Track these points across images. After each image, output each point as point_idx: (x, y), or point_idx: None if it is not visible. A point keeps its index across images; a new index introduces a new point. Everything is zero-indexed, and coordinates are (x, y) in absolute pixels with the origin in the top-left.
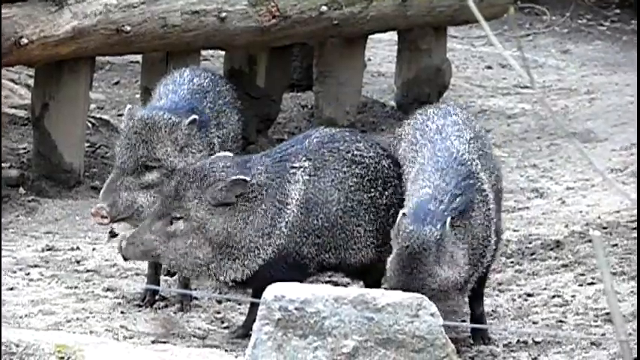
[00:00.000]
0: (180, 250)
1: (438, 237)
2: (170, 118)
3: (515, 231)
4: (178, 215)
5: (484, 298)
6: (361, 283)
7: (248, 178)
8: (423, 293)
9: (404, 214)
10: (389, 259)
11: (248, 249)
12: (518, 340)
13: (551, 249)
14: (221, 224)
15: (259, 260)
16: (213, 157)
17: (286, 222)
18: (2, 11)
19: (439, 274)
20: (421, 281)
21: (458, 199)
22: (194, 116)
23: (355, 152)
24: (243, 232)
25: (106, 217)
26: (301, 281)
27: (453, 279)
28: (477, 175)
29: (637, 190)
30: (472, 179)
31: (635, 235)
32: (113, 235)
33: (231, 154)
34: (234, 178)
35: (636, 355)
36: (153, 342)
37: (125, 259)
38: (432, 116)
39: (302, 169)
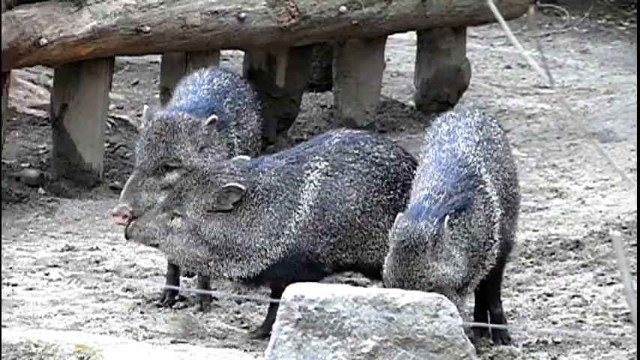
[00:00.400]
0: (177, 247)
1: (434, 232)
2: (190, 119)
3: (534, 231)
4: (178, 212)
5: (503, 298)
6: (380, 283)
7: (243, 187)
8: (419, 288)
9: (400, 216)
10: (385, 260)
11: (253, 249)
12: (537, 340)
13: (571, 249)
14: (218, 228)
15: (267, 260)
16: (228, 160)
17: (297, 222)
18: (22, 11)
19: (436, 268)
20: (417, 273)
21: (454, 198)
22: (213, 116)
23: (376, 154)
24: (245, 235)
25: (128, 217)
26: (317, 281)
27: (450, 276)
28: (479, 178)
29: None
30: (473, 180)
31: None
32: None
33: (248, 158)
34: (226, 185)
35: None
36: (172, 342)
37: (127, 238)
38: (447, 118)
39: (317, 170)
